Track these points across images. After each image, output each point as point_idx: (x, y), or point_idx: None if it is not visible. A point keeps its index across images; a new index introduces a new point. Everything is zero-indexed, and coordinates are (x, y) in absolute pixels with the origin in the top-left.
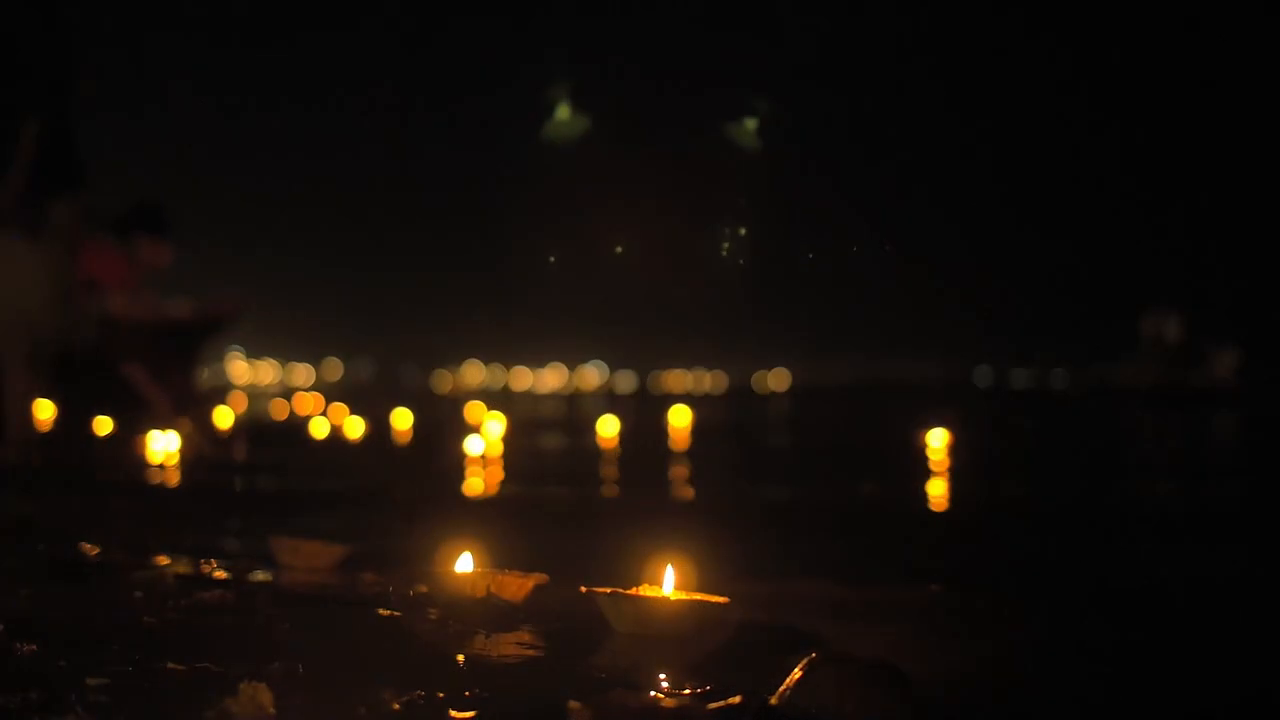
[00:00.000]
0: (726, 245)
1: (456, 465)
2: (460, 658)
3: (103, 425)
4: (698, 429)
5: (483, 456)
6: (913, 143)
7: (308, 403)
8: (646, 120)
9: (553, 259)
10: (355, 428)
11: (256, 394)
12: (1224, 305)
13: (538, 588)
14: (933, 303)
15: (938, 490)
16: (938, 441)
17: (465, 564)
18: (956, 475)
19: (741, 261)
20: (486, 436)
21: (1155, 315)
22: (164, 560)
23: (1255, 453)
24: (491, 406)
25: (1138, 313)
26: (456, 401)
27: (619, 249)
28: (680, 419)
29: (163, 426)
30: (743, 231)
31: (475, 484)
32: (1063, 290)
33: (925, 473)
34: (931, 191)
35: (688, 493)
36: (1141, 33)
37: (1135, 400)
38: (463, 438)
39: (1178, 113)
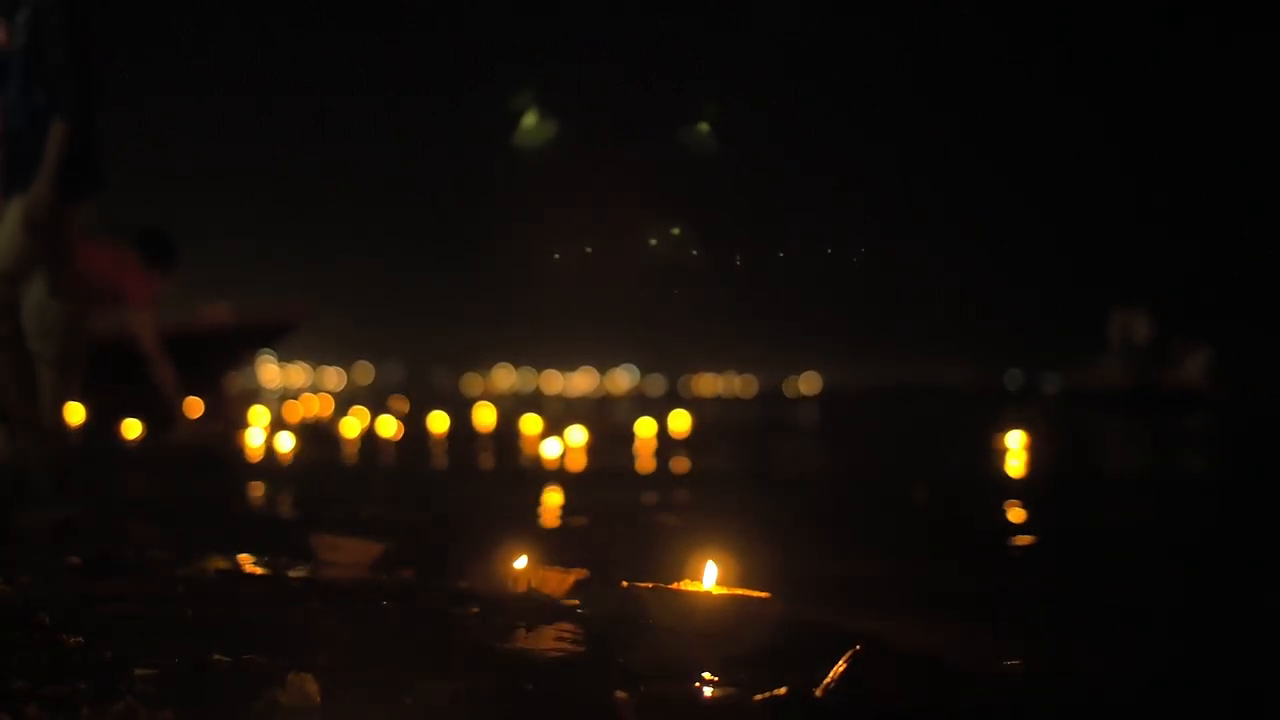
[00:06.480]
0: (755, 252)
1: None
2: (505, 650)
3: (131, 428)
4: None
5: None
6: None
7: (314, 405)
8: (661, 127)
9: (582, 262)
10: (390, 428)
11: (285, 396)
12: (1192, 303)
13: (579, 583)
14: (960, 307)
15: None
16: (1015, 442)
17: (519, 562)
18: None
19: (769, 267)
20: (566, 443)
21: (1122, 315)
22: (206, 556)
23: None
24: (520, 410)
25: (1101, 314)
26: (488, 403)
27: (649, 253)
28: (680, 422)
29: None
30: (775, 238)
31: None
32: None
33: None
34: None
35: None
36: (1114, 42)
37: (1111, 403)
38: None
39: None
